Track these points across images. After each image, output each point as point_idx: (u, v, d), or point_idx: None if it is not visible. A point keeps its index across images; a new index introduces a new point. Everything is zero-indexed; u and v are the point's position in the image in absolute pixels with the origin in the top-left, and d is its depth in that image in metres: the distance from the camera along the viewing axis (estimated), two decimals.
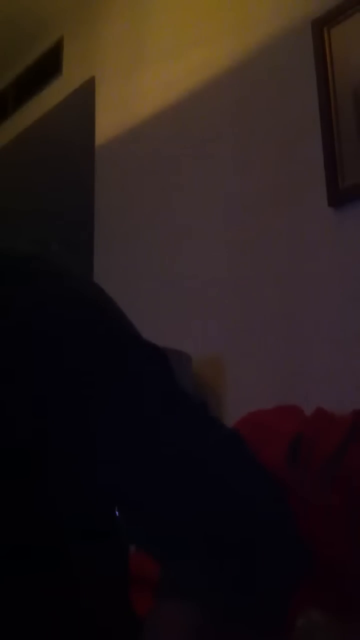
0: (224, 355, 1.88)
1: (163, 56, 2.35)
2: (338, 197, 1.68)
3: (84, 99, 2.66)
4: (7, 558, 0.50)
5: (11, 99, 3.07)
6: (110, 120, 2.53)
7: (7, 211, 3.56)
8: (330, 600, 0.84)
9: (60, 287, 0.59)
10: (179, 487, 0.55)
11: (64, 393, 0.53)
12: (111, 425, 0.54)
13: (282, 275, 1.79)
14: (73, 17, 2.81)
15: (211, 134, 2.09)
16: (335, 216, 1.69)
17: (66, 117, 2.84)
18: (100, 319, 0.60)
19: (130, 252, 2.30)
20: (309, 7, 1.85)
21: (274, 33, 1.96)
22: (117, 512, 0.58)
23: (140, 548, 0.61)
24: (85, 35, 2.75)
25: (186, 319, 2.02)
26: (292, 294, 1.75)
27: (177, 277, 2.09)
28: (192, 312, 2.01)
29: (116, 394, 0.56)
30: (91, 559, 0.54)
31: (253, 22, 2.03)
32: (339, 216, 1.69)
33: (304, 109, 1.81)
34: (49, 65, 2.90)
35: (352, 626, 0.83)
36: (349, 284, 1.64)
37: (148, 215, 2.26)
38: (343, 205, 1.68)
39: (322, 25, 1.79)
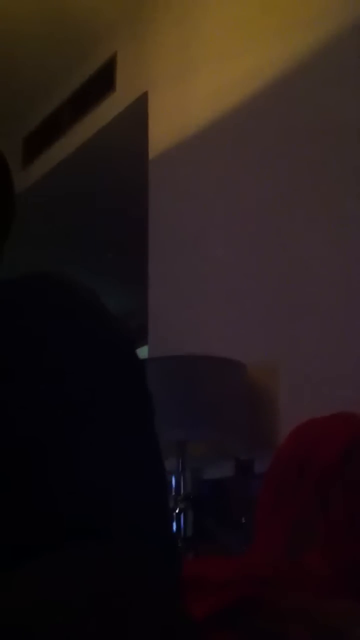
0: (279, 363, 1.88)
1: (212, 63, 2.38)
2: None
3: (137, 114, 2.70)
4: (7, 558, 0.51)
5: (66, 116, 3.15)
6: (163, 134, 2.57)
7: (66, 225, 3.64)
8: None
9: (71, 300, 0.62)
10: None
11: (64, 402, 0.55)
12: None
13: (336, 282, 1.78)
14: (125, 33, 2.87)
15: (262, 141, 2.10)
16: None
17: (120, 133, 2.89)
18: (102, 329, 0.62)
19: (185, 261, 2.32)
20: (357, 8, 1.85)
21: (322, 36, 1.96)
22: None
23: None
24: (137, 50, 2.80)
25: (240, 327, 2.03)
26: (346, 301, 1.74)
27: (231, 285, 2.10)
28: (246, 319, 2.02)
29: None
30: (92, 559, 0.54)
31: (301, 26, 2.03)
32: None
33: (356, 114, 1.80)
34: (102, 82, 2.96)
35: None
36: None
37: (202, 225, 2.28)
38: None
39: None
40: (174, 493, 1.73)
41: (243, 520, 1.64)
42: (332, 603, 0.85)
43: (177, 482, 1.73)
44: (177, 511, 1.69)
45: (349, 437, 1.21)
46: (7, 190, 0.81)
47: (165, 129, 2.56)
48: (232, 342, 2.01)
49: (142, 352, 3.65)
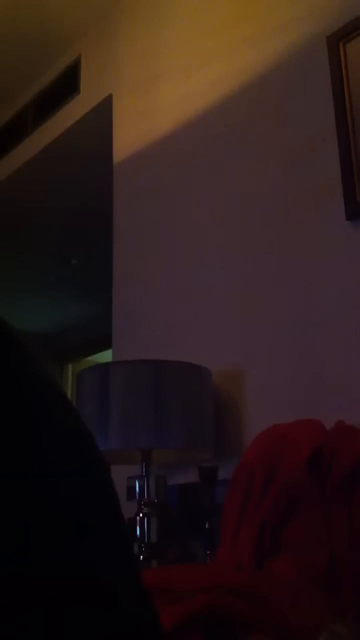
0: (243, 368, 1.89)
1: (178, 71, 2.38)
2: (355, 211, 1.69)
3: (101, 117, 2.70)
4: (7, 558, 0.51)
5: (31, 117, 3.12)
6: (128, 137, 2.56)
7: (29, 227, 3.61)
8: (352, 609, 0.85)
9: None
10: None
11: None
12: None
13: (299, 288, 1.79)
14: (90, 35, 2.86)
15: (227, 147, 2.12)
16: (353, 229, 1.70)
17: (84, 135, 2.88)
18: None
19: (149, 266, 2.32)
20: (325, 22, 1.88)
21: (289, 47, 1.98)
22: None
23: None
24: (102, 53, 2.79)
25: (204, 332, 2.03)
26: (309, 306, 1.75)
27: (195, 290, 2.11)
28: (210, 325, 2.02)
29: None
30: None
31: (268, 36, 2.05)
32: (357, 229, 1.70)
33: (321, 123, 1.82)
34: (67, 84, 2.94)
35: None
36: None
37: (166, 229, 2.29)
38: None
39: (337, 40, 1.81)
40: (137, 498, 1.72)
41: (207, 526, 1.64)
42: (300, 611, 0.85)
43: (142, 487, 1.72)
44: (141, 516, 1.69)
45: (313, 444, 1.22)
46: None
47: (129, 134, 2.55)
48: (197, 348, 2.01)
49: (106, 357, 3.63)
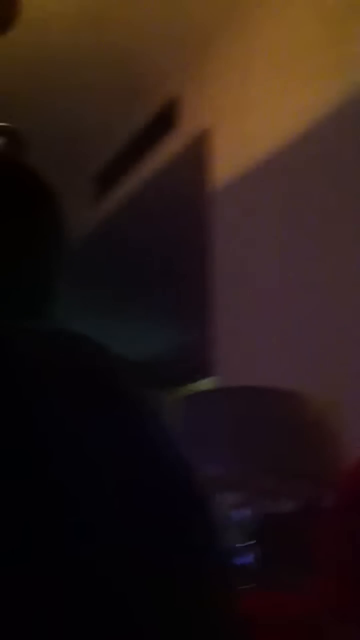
0: (341, 396, 1.87)
1: (269, 101, 2.41)
2: None
3: (197, 150, 2.77)
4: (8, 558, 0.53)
5: (131, 156, 3.24)
6: (224, 168, 2.61)
7: (130, 264, 3.73)
8: None
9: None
10: None
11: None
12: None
13: None
14: (186, 71, 2.94)
15: (326, 174, 2.12)
16: None
17: (182, 169, 2.96)
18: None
19: (248, 293, 2.34)
20: None
21: None
22: None
23: None
24: (198, 88, 2.87)
25: (305, 358, 2.03)
26: None
27: (296, 317, 2.11)
28: (312, 350, 2.02)
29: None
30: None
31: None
32: None
33: None
34: (164, 121, 3.04)
35: None
36: None
37: (265, 256, 2.31)
38: None
39: None
40: (235, 527, 1.73)
41: (305, 556, 1.63)
42: None
43: (239, 516, 1.73)
44: (240, 543, 1.70)
45: None
46: (60, 227, 0.84)
47: (226, 165, 2.61)
48: (297, 374, 2.01)
49: (201, 386, 3.67)
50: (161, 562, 0.54)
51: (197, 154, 2.75)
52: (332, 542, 1.23)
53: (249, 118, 2.52)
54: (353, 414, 1.83)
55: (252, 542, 1.71)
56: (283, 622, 0.91)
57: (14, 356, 0.59)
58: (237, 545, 1.70)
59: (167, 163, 2.98)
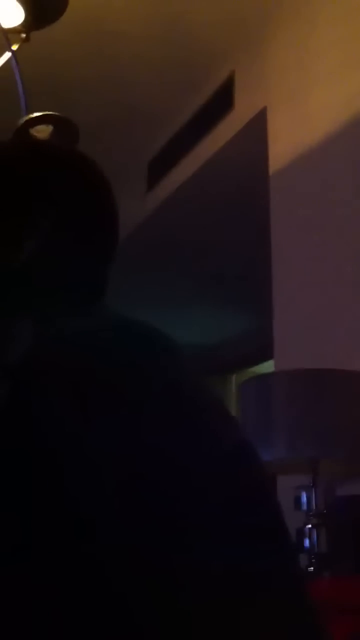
0: None
1: (331, 76, 2.36)
2: None
3: (256, 130, 2.73)
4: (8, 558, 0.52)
5: (188, 138, 3.22)
6: (284, 148, 2.57)
7: (187, 244, 3.72)
8: None
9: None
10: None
11: None
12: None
13: None
14: (242, 50, 2.90)
15: None
16: None
17: (239, 150, 2.92)
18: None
19: (310, 275, 2.30)
20: None
21: None
22: None
23: None
24: (255, 66, 2.83)
25: None
26: None
27: (355, 301, 2.07)
28: None
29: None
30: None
31: None
32: None
33: None
34: (221, 101, 3.01)
35: None
36: None
37: (327, 237, 2.26)
38: None
39: None
40: (305, 509, 1.72)
41: None
42: None
43: (309, 498, 1.71)
44: (309, 527, 1.68)
45: None
46: (110, 212, 0.83)
47: (285, 144, 2.56)
48: (353, 353, 1.97)
49: (268, 367, 3.64)
50: (161, 561, 0.54)
51: (256, 133, 2.71)
52: None
53: (309, 96, 2.47)
54: None
55: (320, 526, 1.68)
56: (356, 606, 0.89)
57: (14, 356, 0.59)
58: (305, 528, 1.68)
59: (225, 144, 2.94)
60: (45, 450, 0.55)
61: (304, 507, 1.72)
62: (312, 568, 1.63)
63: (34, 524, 0.53)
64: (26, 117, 1.59)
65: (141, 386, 0.60)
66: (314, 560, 1.64)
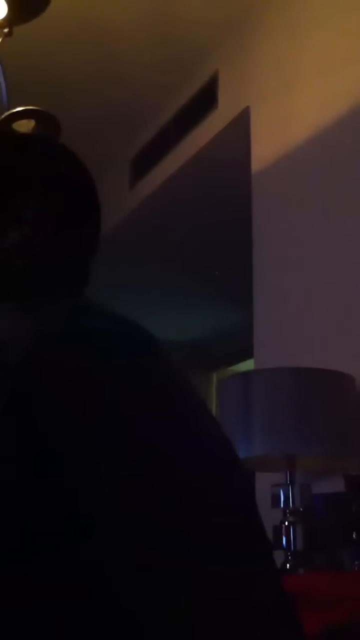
0: None
1: (315, 76, 2.37)
2: None
3: (239, 129, 2.73)
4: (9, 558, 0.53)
5: (172, 135, 3.22)
6: (266, 147, 2.58)
7: (170, 241, 3.72)
8: None
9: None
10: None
11: None
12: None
13: None
14: (227, 49, 2.91)
15: None
16: None
17: (222, 149, 2.93)
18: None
19: (290, 274, 2.32)
20: None
21: None
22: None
23: None
24: (239, 66, 2.83)
25: (348, 340, 2.00)
26: None
27: (338, 298, 2.08)
28: (354, 333, 1.99)
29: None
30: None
31: None
32: None
33: None
34: (205, 99, 3.01)
35: None
36: None
37: (307, 237, 2.28)
38: None
39: None
40: (282, 506, 1.73)
41: (355, 536, 1.62)
42: None
43: (286, 495, 1.72)
44: (286, 524, 1.69)
45: None
46: (93, 205, 0.83)
47: (268, 144, 2.57)
48: (340, 355, 1.99)
49: (249, 366, 3.66)
50: (161, 561, 0.54)
51: (239, 132, 2.72)
52: None
53: (292, 96, 2.48)
54: None
55: (297, 523, 1.70)
56: (336, 599, 0.90)
57: (16, 356, 0.60)
58: (282, 526, 1.69)
59: (209, 142, 2.95)
60: (45, 450, 0.55)
61: (281, 504, 1.73)
62: (288, 565, 1.65)
63: (34, 524, 0.53)
64: (8, 112, 1.59)
65: (141, 386, 0.60)
66: (290, 558, 1.66)
